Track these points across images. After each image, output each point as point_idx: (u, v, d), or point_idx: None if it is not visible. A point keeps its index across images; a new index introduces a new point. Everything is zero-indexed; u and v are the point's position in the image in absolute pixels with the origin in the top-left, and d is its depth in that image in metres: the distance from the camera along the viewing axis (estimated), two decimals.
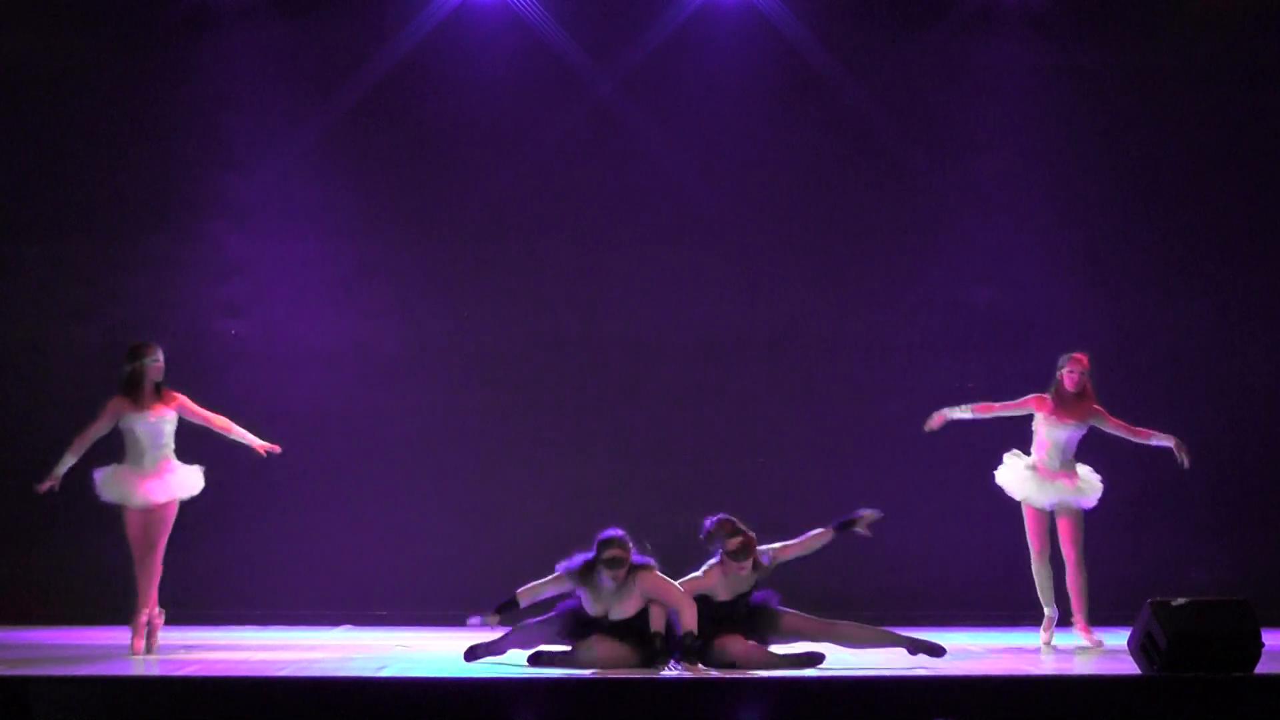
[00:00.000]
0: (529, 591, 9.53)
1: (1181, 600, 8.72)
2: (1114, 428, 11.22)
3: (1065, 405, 11.14)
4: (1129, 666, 8.92)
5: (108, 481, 10.59)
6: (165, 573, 12.95)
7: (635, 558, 9.41)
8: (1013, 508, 13.28)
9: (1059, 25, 13.43)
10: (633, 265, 13.41)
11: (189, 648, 10.63)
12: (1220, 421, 13.33)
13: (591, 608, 9.45)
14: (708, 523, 9.59)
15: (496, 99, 13.33)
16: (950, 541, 13.19)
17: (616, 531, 9.45)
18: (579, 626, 9.44)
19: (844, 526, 9.66)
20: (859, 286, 13.44)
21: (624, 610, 9.40)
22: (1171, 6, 13.53)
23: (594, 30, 13.35)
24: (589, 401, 13.20)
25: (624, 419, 13.19)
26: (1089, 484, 11.16)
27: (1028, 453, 11.38)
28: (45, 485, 10.55)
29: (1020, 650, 10.72)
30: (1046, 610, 11.11)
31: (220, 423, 10.72)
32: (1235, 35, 13.44)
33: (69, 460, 10.54)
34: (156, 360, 10.54)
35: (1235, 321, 13.43)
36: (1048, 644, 10.99)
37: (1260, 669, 8.65)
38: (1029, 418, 11.35)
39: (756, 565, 9.51)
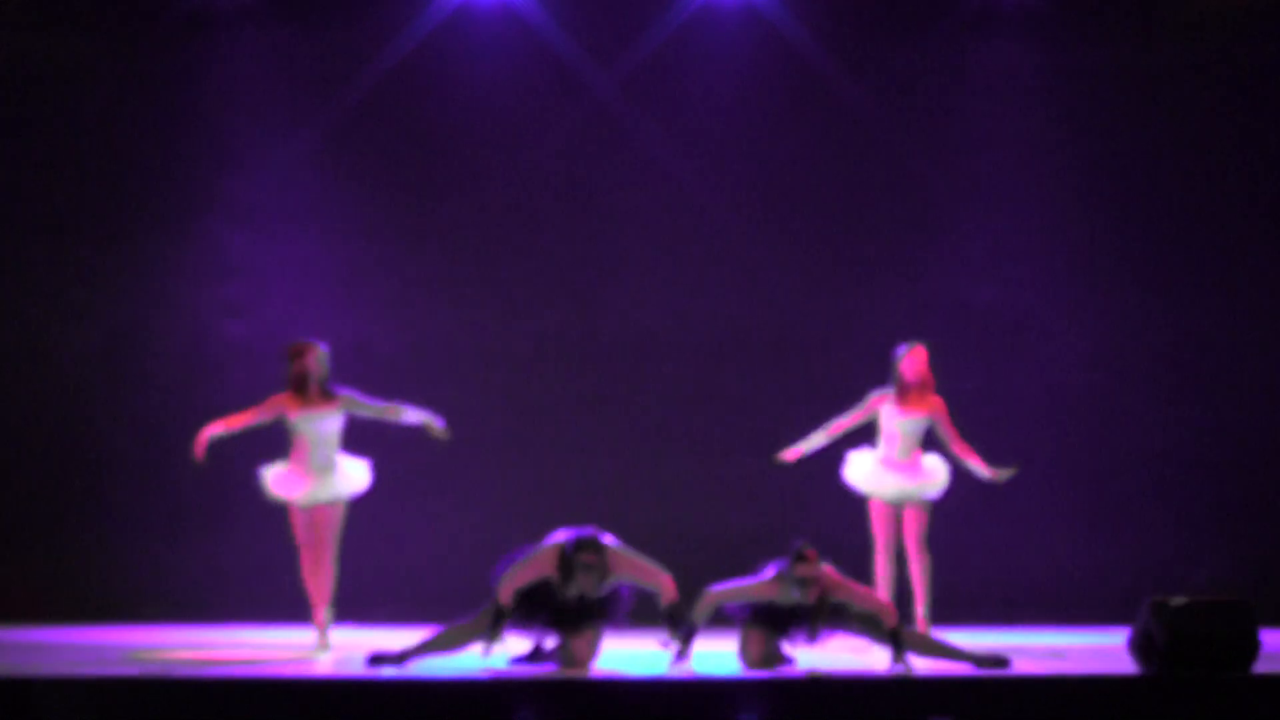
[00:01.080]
0: (510, 585, 9.25)
1: (1181, 600, 8.72)
2: (944, 432, 11.06)
3: (907, 396, 11.04)
4: (1128, 666, 8.92)
5: (273, 480, 10.59)
6: (165, 573, 13.03)
7: (602, 540, 9.21)
8: (1011, 506, 13.34)
9: (1059, 25, 13.44)
10: (633, 265, 13.42)
11: (189, 647, 10.62)
12: (1220, 421, 13.34)
13: (562, 594, 9.27)
14: (796, 550, 9.37)
15: (497, 100, 13.34)
16: (950, 541, 13.17)
17: (586, 533, 9.24)
18: (538, 611, 9.34)
19: (893, 639, 9.34)
20: (859, 286, 13.45)
21: (594, 590, 9.29)
22: (1171, 6, 13.53)
23: (594, 31, 13.36)
24: (589, 401, 13.21)
25: (624, 419, 13.20)
26: (935, 475, 11.09)
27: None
28: (200, 453, 10.55)
29: (1020, 650, 10.71)
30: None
31: (392, 411, 10.66)
32: (1235, 35, 13.44)
33: (218, 431, 10.54)
34: (320, 358, 10.52)
35: (1235, 321, 13.43)
36: None
37: (1259, 669, 8.65)
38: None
39: (821, 596, 9.34)
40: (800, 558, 9.19)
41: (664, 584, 9.28)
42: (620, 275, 13.43)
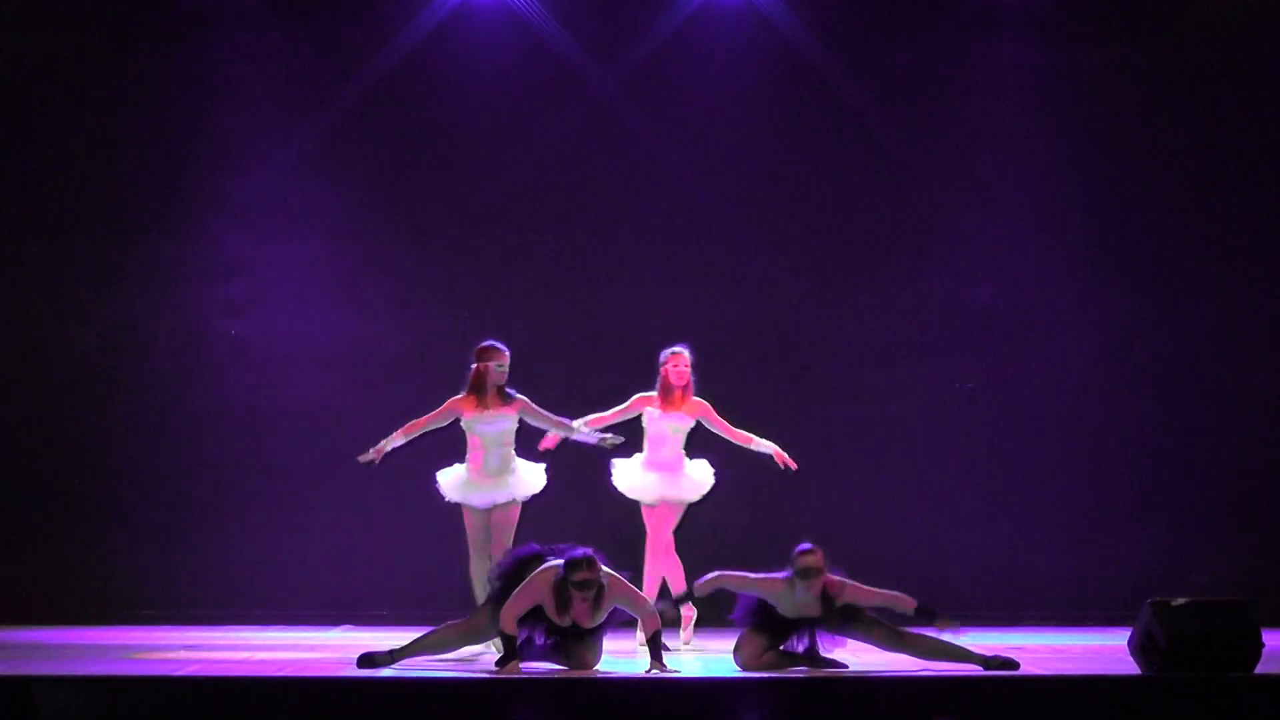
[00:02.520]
0: (510, 614, 9.14)
1: (1181, 600, 8.72)
2: (717, 427, 11.01)
3: (670, 399, 11.01)
4: (1129, 666, 8.92)
5: (449, 482, 10.65)
6: (165, 573, 13.03)
7: (603, 568, 9.15)
8: (1012, 506, 13.34)
9: (1059, 25, 13.43)
10: (633, 265, 13.42)
11: (189, 648, 10.63)
12: (1220, 422, 13.33)
13: (556, 618, 9.20)
14: (802, 546, 9.40)
15: (496, 99, 13.33)
16: (950, 541, 13.19)
17: (585, 551, 9.16)
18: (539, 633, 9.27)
19: (923, 613, 9.37)
20: (859, 286, 13.44)
21: (590, 620, 9.23)
22: (1171, 6, 13.53)
23: (594, 30, 13.35)
24: (589, 401, 13.18)
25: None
26: (697, 477, 11.04)
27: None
28: (367, 457, 10.62)
29: (1020, 650, 10.70)
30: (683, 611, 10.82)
31: (564, 426, 10.78)
32: (1235, 35, 13.44)
33: (397, 440, 10.63)
34: (502, 364, 10.58)
35: (1235, 322, 13.43)
36: (687, 643, 10.83)
37: (1260, 669, 8.65)
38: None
39: (825, 597, 9.32)
40: (804, 552, 9.24)
41: (651, 613, 9.24)
42: (620, 275, 13.42)
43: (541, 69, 13.33)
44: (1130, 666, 8.91)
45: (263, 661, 9.85)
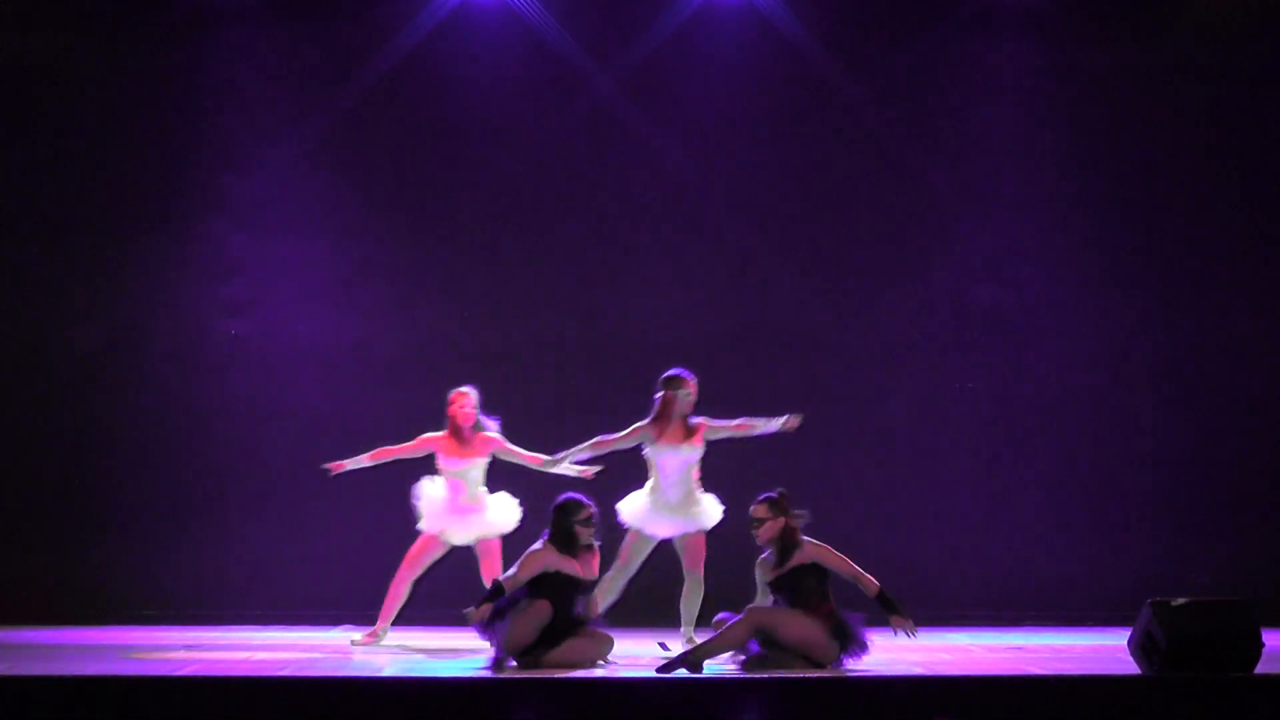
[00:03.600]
0: (512, 580, 9.39)
1: (1182, 600, 8.72)
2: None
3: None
4: (1129, 666, 8.92)
5: (635, 510, 10.68)
6: (165, 573, 13.02)
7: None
8: (1012, 506, 13.34)
9: (1059, 25, 13.43)
10: (633, 265, 13.42)
11: (189, 647, 10.63)
12: (1220, 422, 13.33)
13: (579, 572, 9.49)
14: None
15: (496, 99, 13.34)
16: (950, 541, 13.19)
17: (574, 494, 9.58)
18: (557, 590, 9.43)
19: (885, 601, 9.38)
20: (859, 286, 13.45)
21: (591, 570, 9.54)
22: (1171, 6, 13.54)
23: (594, 30, 13.35)
24: (589, 401, 13.19)
25: (624, 419, 13.16)
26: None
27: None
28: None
29: (1020, 650, 10.72)
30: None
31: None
32: (1235, 35, 13.44)
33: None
34: (690, 392, 10.59)
35: (1235, 322, 13.43)
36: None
37: (1260, 669, 8.65)
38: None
39: (782, 550, 9.45)
40: (766, 501, 9.48)
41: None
42: (620, 275, 13.42)
43: (541, 69, 13.33)
44: (1130, 666, 8.91)
45: (263, 661, 9.85)
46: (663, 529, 10.56)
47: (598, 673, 9.11)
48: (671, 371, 10.70)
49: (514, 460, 11.03)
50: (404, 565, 10.99)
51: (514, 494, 11.13)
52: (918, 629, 9.38)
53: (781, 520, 9.51)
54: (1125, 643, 9.01)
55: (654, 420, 10.56)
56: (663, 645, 10.27)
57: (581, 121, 13.43)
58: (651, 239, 13.44)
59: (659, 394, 10.63)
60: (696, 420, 10.59)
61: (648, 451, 10.64)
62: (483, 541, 10.92)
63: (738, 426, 10.70)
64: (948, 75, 13.48)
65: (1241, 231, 13.46)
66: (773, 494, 9.61)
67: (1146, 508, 13.24)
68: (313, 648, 10.79)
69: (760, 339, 13.38)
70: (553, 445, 13.11)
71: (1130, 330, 13.44)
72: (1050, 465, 13.30)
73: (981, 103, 13.46)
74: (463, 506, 10.92)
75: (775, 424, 10.69)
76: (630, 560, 10.58)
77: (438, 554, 11.04)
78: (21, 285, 13.30)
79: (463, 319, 13.32)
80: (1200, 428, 13.34)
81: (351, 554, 12.91)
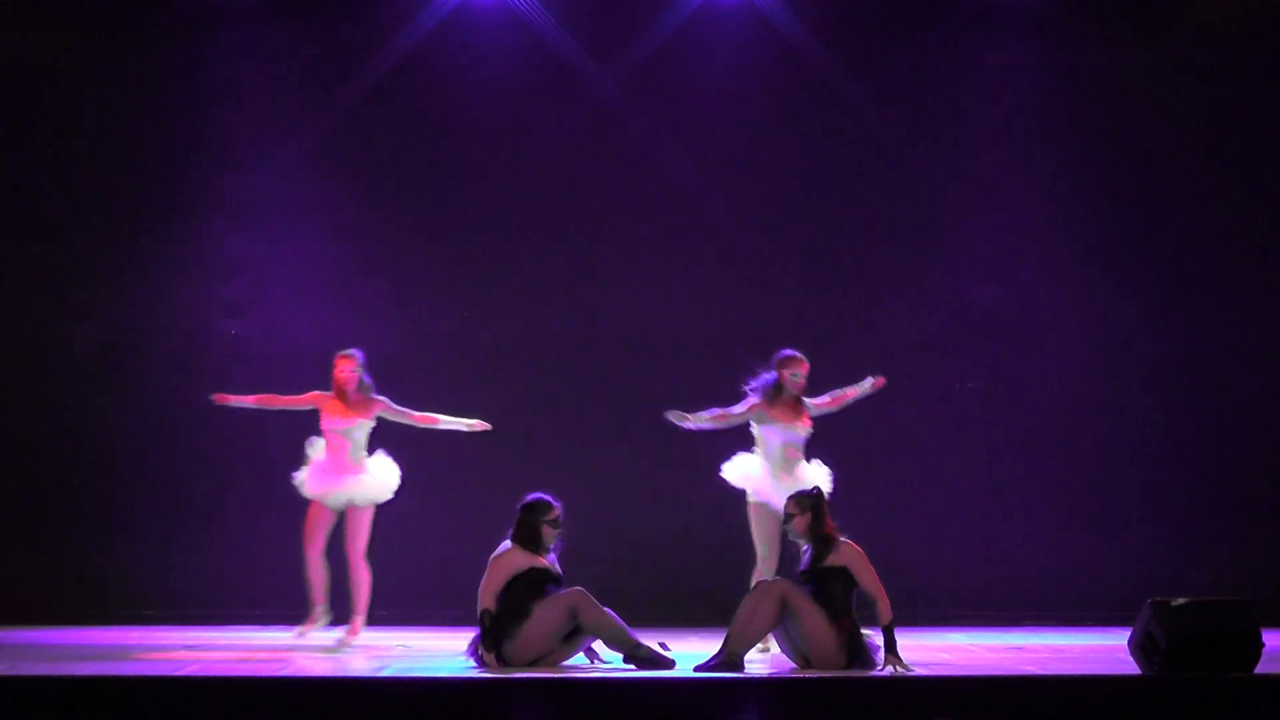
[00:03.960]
0: (488, 592, 9.35)
1: (1182, 600, 8.71)
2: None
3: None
4: (1129, 666, 8.92)
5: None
6: (165, 573, 13.02)
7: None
8: (1012, 506, 13.35)
9: (1059, 25, 13.44)
10: (633, 265, 13.42)
11: (189, 647, 10.63)
12: (1220, 421, 13.34)
13: (549, 565, 9.53)
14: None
15: (496, 99, 13.34)
16: (950, 541, 13.19)
17: (543, 495, 9.56)
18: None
19: (889, 636, 9.30)
20: (859, 286, 13.45)
21: (555, 565, 9.57)
22: (1171, 6, 13.54)
23: (594, 30, 13.36)
24: (589, 401, 13.20)
25: (624, 419, 13.18)
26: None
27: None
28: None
29: (1020, 650, 10.71)
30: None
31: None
32: (1235, 35, 13.44)
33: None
34: (798, 373, 10.65)
35: (1235, 321, 13.43)
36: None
37: (1260, 669, 8.65)
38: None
39: (818, 544, 9.38)
40: (797, 496, 9.48)
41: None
42: (620, 274, 13.42)
43: (541, 69, 13.34)
44: (1130, 666, 8.91)
45: (263, 661, 9.84)
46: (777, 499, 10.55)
47: (598, 673, 9.11)
48: (785, 352, 10.74)
49: (403, 421, 11.12)
50: (305, 547, 11.06)
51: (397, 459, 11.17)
52: (913, 667, 9.19)
53: (808, 515, 9.43)
54: (1125, 643, 9.01)
55: (766, 399, 10.62)
56: (663, 645, 10.26)
57: (581, 121, 13.44)
58: (651, 239, 13.44)
59: (772, 373, 10.65)
60: (807, 400, 10.70)
61: (757, 430, 10.72)
62: (352, 511, 10.96)
63: (834, 400, 10.87)
64: (948, 75, 13.48)
65: (1241, 231, 13.47)
66: (808, 490, 9.57)
67: (1146, 508, 13.25)
68: (312, 648, 10.79)
69: (760, 339, 13.36)
70: (553, 445, 13.16)
71: (1130, 330, 13.45)
72: (1050, 465, 13.30)
73: (981, 103, 13.46)
74: (342, 468, 11.01)
75: (866, 385, 10.90)
76: (767, 538, 10.54)
77: (330, 521, 11.06)
78: (21, 285, 13.31)
79: (462, 318, 13.32)
80: (1200, 428, 13.34)
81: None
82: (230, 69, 13.25)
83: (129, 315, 13.27)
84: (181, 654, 10.23)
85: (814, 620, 9.12)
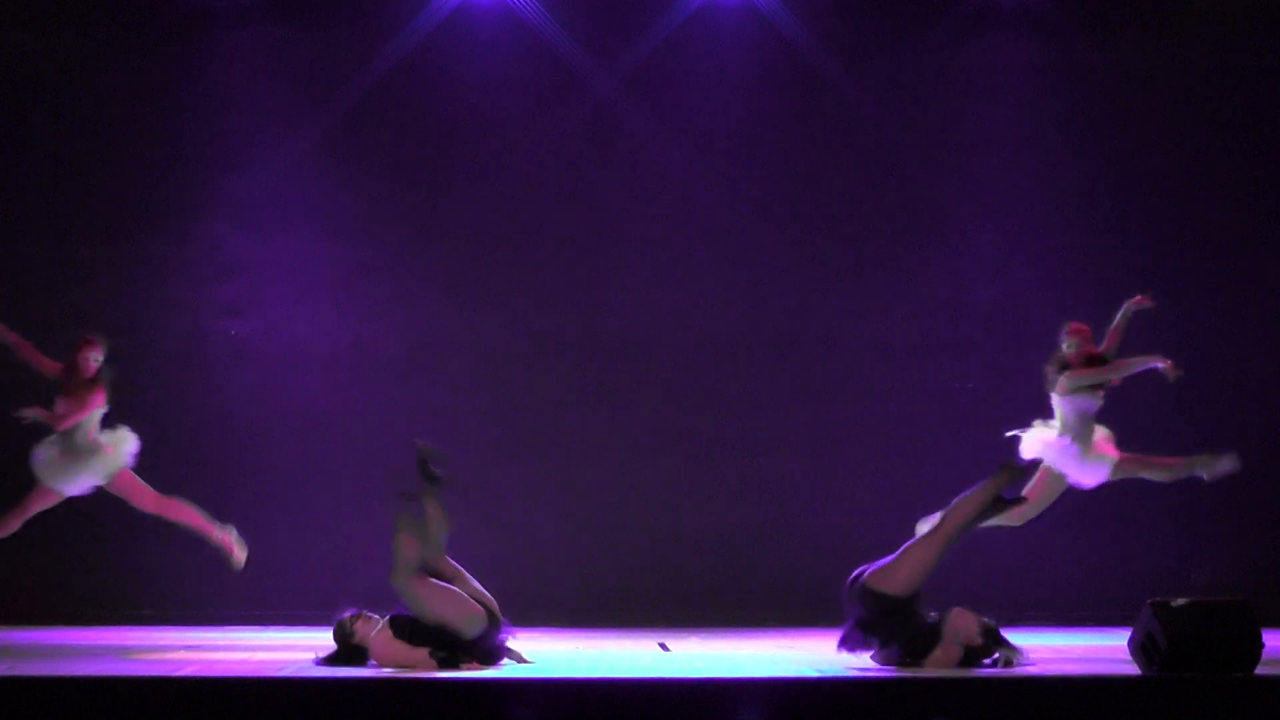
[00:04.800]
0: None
1: (1182, 600, 8.71)
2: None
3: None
4: (1129, 666, 8.91)
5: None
6: (165, 573, 13.01)
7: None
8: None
9: (1059, 25, 13.44)
10: (633, 265, 13.42)
11: (189, 648, 10.62)
12: (1220, 421, 13.32)
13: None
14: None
15: (496, 99, 13.34)
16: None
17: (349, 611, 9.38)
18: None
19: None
20: (859, 286, 13.45)
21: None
22: (1171, 6, 13.54)
23: (594, 30, 13.36)
24: (589, 401, 13.20)
25: (624, 419, 13.19)
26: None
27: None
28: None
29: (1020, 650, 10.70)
30: None
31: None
32: (1235, 35, 13.44)
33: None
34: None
35: (1235, 321, 13.43)
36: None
37: (1261, 670, 8.64)
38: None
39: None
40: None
41: None
42: (620, 275, 13.42)
43: (541, 69, 13.33)
44: (1130, 666, 8.90)
45: (263, 661, 9.84)
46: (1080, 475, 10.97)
47: (597, 673, 9.11)
48: (1070, 324, 11.10)
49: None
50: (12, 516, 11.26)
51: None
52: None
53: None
54: (1125, 643, 9.01)
55: (1062, 369, 11.04)
56: (663, 646, 10.27)
57: (581, 121, 13.43)
58: (652, 238, 13.44)
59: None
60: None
61: (1055, 401, 11.17)
62: (114, 480, 11.25)
63: (1111, 368, 11.30)
64: (948, 75, 13.48)
65: (1241, 232, 13.46)
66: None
67: (1146, 508, 13.23)
68: (312, 648, 10.77)
69: (760, 339, 13.38)
70: (553, 444, 13.16)
71: (1130, 330, 13.42)
72: None
73: (981, 103, 13.46)
74: (79, 452, 11.27)
75: (1153, 360, 11.21)
76: (1043, 499, 10.99)
77: (52, 503, 11.33)
78: (21, 285, 13.30)
79: (462, 318, 13.32)
80: (1200, 428, 13.33)
81: (351, 554, 12.90)
82: (230, 69, 13.25)
83: (129, 315, 13.25)
84: (181, 654, 10.22)
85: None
